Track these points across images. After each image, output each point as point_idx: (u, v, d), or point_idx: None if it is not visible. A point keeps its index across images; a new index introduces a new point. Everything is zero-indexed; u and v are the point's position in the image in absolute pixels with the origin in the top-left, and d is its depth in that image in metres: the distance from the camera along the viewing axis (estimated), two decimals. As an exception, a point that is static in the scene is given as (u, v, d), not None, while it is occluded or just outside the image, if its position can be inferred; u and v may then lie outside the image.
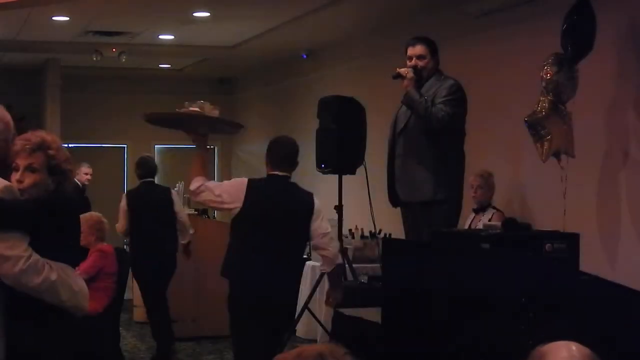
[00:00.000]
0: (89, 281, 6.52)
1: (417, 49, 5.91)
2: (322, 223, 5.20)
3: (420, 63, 5.87)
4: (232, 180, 5.40)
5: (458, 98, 5.79)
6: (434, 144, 5.77)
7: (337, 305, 5.74)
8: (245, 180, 5.19)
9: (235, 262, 5.10)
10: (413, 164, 5.83)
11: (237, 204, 5.06)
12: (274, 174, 5.21)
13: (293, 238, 5.17)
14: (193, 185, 5.11)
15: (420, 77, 5.84)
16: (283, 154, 5.29)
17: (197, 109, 5.11)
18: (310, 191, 5.36)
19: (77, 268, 6.45)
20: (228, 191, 5.11)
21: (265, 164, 5.28)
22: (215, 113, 5.13)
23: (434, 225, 5.43)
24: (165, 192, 7.93)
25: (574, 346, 2.03)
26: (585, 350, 2.03)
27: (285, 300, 5.15)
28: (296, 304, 5.50)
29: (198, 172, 5.12)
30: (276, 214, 5.09)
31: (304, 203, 5.20)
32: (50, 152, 3.34)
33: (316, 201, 5.23)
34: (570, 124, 5.88)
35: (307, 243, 5.31)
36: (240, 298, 5.04)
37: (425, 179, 5.77)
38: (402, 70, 5.84)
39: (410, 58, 5.91)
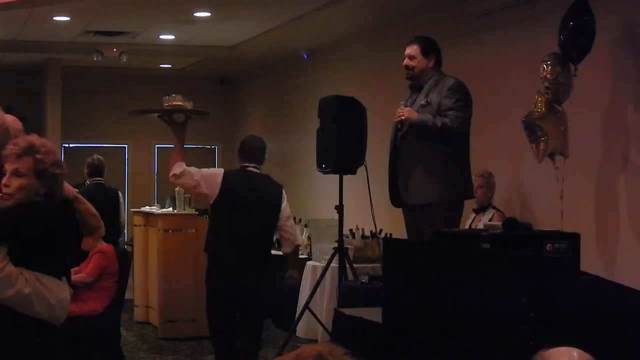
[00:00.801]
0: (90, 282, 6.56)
1: (409, 49, 6.01)
2: (287, 208, 5.98)
3: (411, 63, 5.96)
4: (210, 169, 6.03)
5: (464, 97, 5.83)
6: (438, 145, 5.78)
7: (293, 282, 6.49)
8: (222, 171, 5.95)
9: (214, 241, 5.88)
10: (417, 166, 5.84)
11: (213, 191, 5.80)
12: (246, 166, 5.96)
13: (263, 221, 5.89)
14: (177, 170, 5.75)
15: (412, 77, 5.93)
16: (253, 150, 6.03)
17: (179, 103, 5.82)
18: (281, 184, 6.11)
19: (77, 269, 6.51)
20: (205, 178, 5.83)
21: (238, 159, 6.03)
22: (189, 103, 5.87)
23: (435, 226, 5.44)
24: (114, 194, 8.62)
25: (575, 352, 2.03)
26: (587, 355, 2.03)
27: (256, 270, 5.86)
28: (265, 275, 5.98)
29: (179, 158, 5.79)
30: (249, 200, 5.84)
31: (273, 191, 5.97)
32: (38, 156, 3.31)
33: (283, 191, 6.01)
34: (566, 124, 5.89)
35: (275, 225, 5.99)
36: (217, 271, 5.83)
37: (429, 181, 5.78)
38: (397, 115, 5.88)
39: (405, 58, 6.00)
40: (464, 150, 5.94)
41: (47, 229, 3.33)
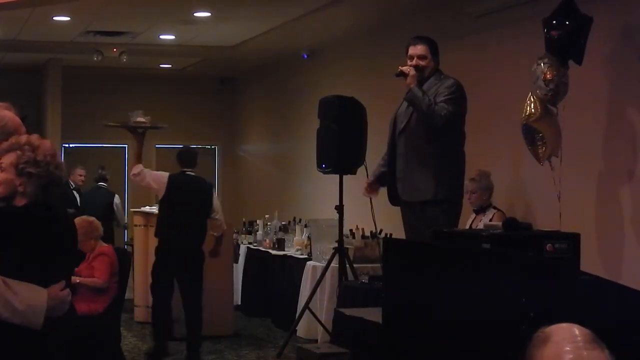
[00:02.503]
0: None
1: (419, 49, 5.92)
2: (217, 202, 7.83)
3: (422, 63, 5.89)
4: (159, 172, 7.87)
5: (459, 97, 5.81)
6: (435, 143, 5.78)
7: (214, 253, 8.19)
8: (167, 174, 7.74)
9: (163, 227, 7.68)
10: (414, 163, 5.83)
11: (161, 189, 7.61)
12: (184, 171, 7.74)
13: (198, 211, 7.65)
14: (136, 170, 7.66)
15: (422, 76, 5.86)
16: (189, 158, 7.79)
17: (142, 119, 7.77)
18: (211, 181, 8.17)
19: (76, 269, 6.51)
20: (155, 180, 7.71)
21: (178, 164, 7.80)
22: (148, 119, 7.86)
23: (434, 225, 5.43)
24: (111, 197, 10.87)
25: (575, 328, 2.09)
26: (587, 331, 2.08)
27: (194, 249, 7.60)
28: (199, 252, 7.67)
29: (137, 161, 7.70)
30: (187, 196, 7.60)
31: (205, 189, 7.78)
32: (19, 152, 3.31)
33: (213, 188, 7.90)
34: (560, 125, 5.90)
35: (208, 215, 7.76)
36: (165, 249, 7.63)
37: (426, 178, 5.77)
38: (405, 68, 5.86)
39: (412, 57, 5.92)
40: (459, 149, 5.93)
41: (15, 233, 3.21)
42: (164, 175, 7.73)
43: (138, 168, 7.65)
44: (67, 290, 3.29)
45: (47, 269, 3.25)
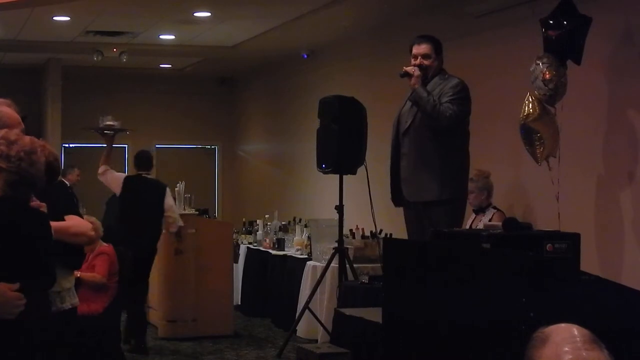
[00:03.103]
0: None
1: (423, 48, 5.90)
2: (170, 201, 8.15)
3: (426, 62, 5.87)
4: (118, 173, 8.37)
5: (464, 97, 5.80)
6: (439, 143, 5.77)
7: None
8: (123, 175, 8.40)
9: (120, 226, 8.00)
10: (419, 163, 5.82)
11: (118, 189, 8.09)
12: (139, 173, 8.25)
13: (152, 210, 8.03)
14: (101, 170, 8.16)
15: (425, 75, 5.85)
16: (144, 161, 8.31)
17: (111, 123, 8.31)
18: (165, 183, 8.38)
19: (80, 269, 6.50)
20: (114, 180, 8.18)
21: (133, 167, 8.37)
22: (118, 123, 8.39)
23: (437, 225, 5.43)
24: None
25: (574, 328, 2.10)
26: (586, 331, 2.09)
27: (149, 247, 7.98)
28: (151, 251, 8.04)
29: (105, 162, 8.17)
30: (141, 196, 8.04)
31: (159, 189, 8.15)
32: None
33: (167, 188, 8.19)
34: (557, 125, 5.89)
35: (162, 214, 8.11)
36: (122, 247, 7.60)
37: (431, 178, 5.76)
38: (409, 69, 5.85)
39: (416, 57, 5.90)
40: (463, 149, 5.93)
41: None
42: (121, 176, 8.26)
43: (102, 168, 8.16)
44: (19, 294, 3.21)
45: (3, 267, 3.23)
